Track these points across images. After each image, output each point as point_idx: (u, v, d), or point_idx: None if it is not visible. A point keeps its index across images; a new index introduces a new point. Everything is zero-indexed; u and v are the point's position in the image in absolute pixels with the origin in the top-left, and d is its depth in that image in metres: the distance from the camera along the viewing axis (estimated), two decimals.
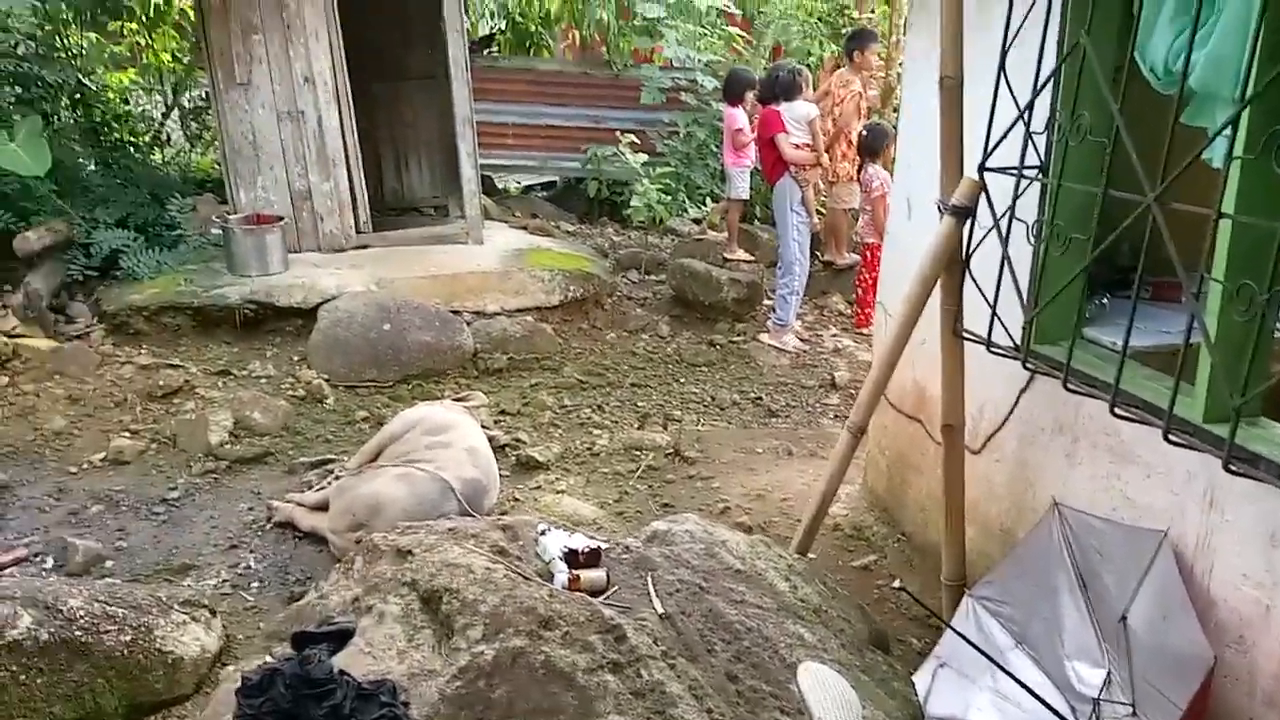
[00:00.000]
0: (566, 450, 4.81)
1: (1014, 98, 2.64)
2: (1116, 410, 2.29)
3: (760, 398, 5.72)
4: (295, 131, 6.55)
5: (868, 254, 6.85)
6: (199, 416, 4.77)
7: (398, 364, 5.55)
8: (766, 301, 7.06)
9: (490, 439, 4.42)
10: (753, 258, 7.84)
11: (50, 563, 3.60)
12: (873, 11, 9.53)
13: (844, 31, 8.83)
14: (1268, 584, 2.10)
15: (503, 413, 5.22)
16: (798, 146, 6.41)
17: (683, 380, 5.94)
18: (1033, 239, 2.60)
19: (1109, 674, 2.32)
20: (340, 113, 6.59)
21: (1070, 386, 2.46)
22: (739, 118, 7.39)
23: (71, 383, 5.17)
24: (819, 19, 9.43)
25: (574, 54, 10.54)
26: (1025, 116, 2.61)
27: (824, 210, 7.81)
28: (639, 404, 5.51)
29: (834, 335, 6.90)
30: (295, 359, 5.62)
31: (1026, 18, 2.58)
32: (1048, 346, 2.76)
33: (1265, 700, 2.11)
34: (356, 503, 3.73)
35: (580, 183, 9.47)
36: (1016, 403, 2.96)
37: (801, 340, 6.64)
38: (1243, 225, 2.02)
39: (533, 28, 9.94)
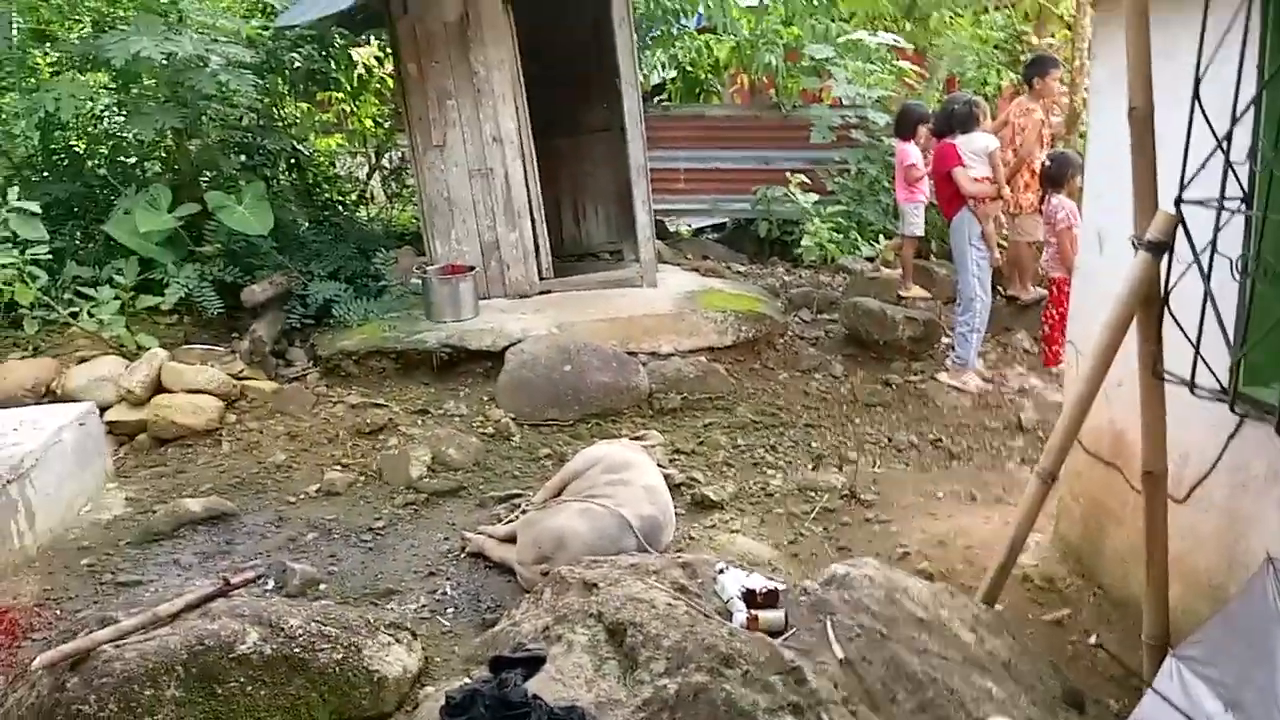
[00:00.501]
0: (740, 490, 4.86)
1: (1210, 126, 2.52)
2: None
3: (940, 439, 5.57)
4: (485, 187, 7.01)
5: (1054, 289, 6.54)
6: (401, 452, 5.15)
7: (578, 403, 5.79)
8: (945, 340, 6.87)
9: (666, 477, 4.53)
10: (929, 294, 7.65)
11: (271, 584, 3.96)
12: (1053, 36, 9.17)
13: (1022, 58, 8.56)
14: None
15: (677, 451, 5.34)
16: (977, 180, 6.25)
17: (857, 421, 5.86)
18: (1238, 275, 2.45)
19: None
20: (525, 168, 7.01)
21: None
22: (911, 153, 7.28)
23: (290, 420, 5.70)
24: (995, 46, 9.19)
25: (743, 98, 10.72)
26: (1224, 145, 2.48)
27: (1005, 244, 7.54)
28: (813, 444, 5.49)
29: (1019, 374, 6.61)
30: (485, 399, 5.96)
31: (1221, 42, 2.46)
32: (1259, 389, 2.58)
33: None
34: (542, 536, 3.92)
35: (750, 224, 9.57)
36: (1225, 448, 2.77)
37: (984, 380, 6.40)
38: None
39: (703, 75, 10.19)
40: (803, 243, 7.90)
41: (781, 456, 5.33)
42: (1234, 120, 2.45)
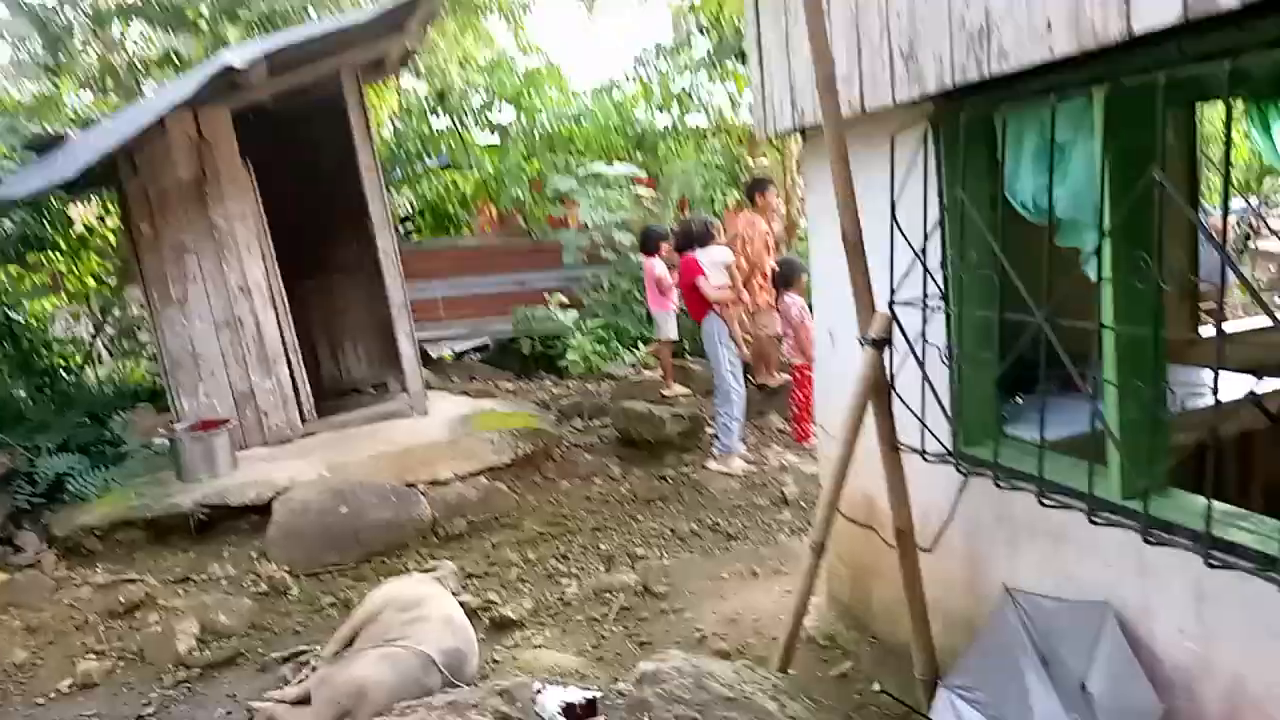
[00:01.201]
0: (538, 604, 4.91)
1: (908, 241, 3.05)
2: (1044, 500, 2.58)
3: (718, 523, 5.93)
4: (234, 338, 6.76)
5: (796, 374, 7.27)
6: (164, 627, 4.74)
7: (358, 544, 5.62)
8: (709, 430, 7.37)
9: (462, 604, 4.50)
10: (689, 391, 8.21)
11: None
12: (764, 157, 10.36)
13: (742, 178, 9.59)
14: (1201, 635, 2.36)
15: (470, 576, 5.31)
16: (718, 287, 6.89)
17: (640, 517, 6.12)
18: (945, 359, 2.95)
19: None
20: (277, 314, 6.86)
21: (999, 484, 2.76)
22: (657, 266, 7.91)
23: (28, 612, 5.09)
24: (717, 168, 10.22)
25: (493, 226, 11.13)
26: (921, 256, 3.01)
27: (750, 338, 8.28)
28: (601, 547, 5.66)
29: (777, 452, 7.20)
30: (254, 555, 5.63)
31: (908, 175, 3.02)
32: (975, 448, 3.07)
33: None
34: (340, 691, 3.74)
35: (513, 342, 9.84)
36: (957, 502, 3.25)
37: (748, 462, 6.92)
38: (1122, 336, 2.39)
39: (451, 208, 10.50)
40: (567, 356, 8.23)
41: (573, 563, 5.44)
42: (925, 236, 2.98)
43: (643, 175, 10.09)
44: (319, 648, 4.42)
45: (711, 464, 6.83)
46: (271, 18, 9.28)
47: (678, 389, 8.08)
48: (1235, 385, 2.84)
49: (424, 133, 10.01)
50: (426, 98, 9.91)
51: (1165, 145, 2.18)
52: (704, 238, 7.01)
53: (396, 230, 9.89)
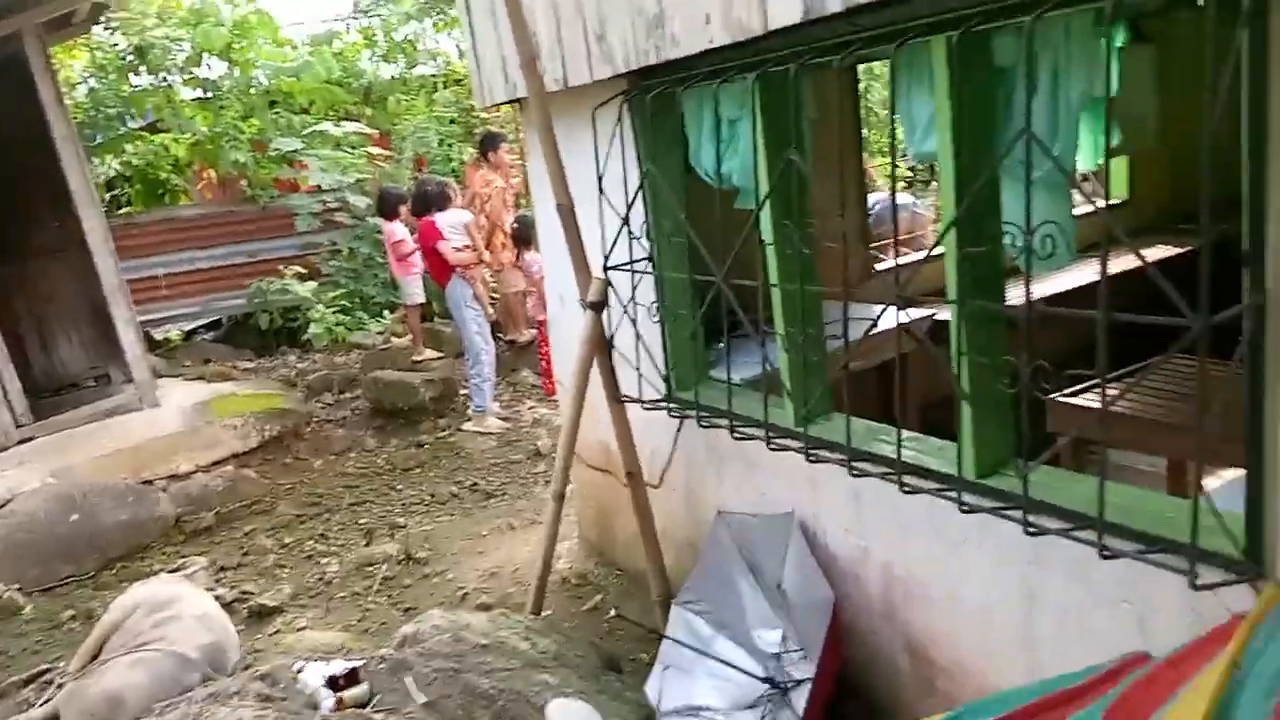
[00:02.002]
0: (298, 587, 4.90)
1: (615, 209, 3.33)
2: (735, 433, 2.99)
3: (476, 483, 6.11)
4: None
5: (542, 330, 7.52)
6: None
7: (95, 552, 5.32)
8: (463, 391, 7.49)
9: (217, 599, 4.42)
10: (441, 354, 8.25)
11: None
12: (499, 110, 10.38)
13: (476, 132, 9.57)
14: (859, 531, 2.87)
15: (223, 569, 5.19)
16: (459, 249, 6.96)
17: (400, 487, 6.18)
18: (654, 318, 3.28)
19: (783, 632, 2.98)
20: None
21: (702, 424, 3.14)
22: (397, 231, 7.82)
23: None
24: (451, 122, 10.12)
25: (214, 193, 10.43)
26: (627, 224, 3.31)
27: (496, 296, 8.42)
28: (361, 521, 5.69)
29: (531, 407, 7.46)
30: None
31: (609, 152, 3.28)
32: (685, 393, 3.45)
33: (880, 614, 2.87)
34: (92, 704, 3.62)
35: (250, 318, 9.37)
36: (676, 442, 3.63)
37: (503, 419, 7.13)
38: (785, 290, 2.80)
39: (164, 175, 9.72)
40: (310, 329, 7.99)
41: (333, 542, 5.45)
42: (629, 205, 3.27)
43: (374, 133, 9.81)
44: (64, 665, 4.20)
45: (468, 425, 6.98)
46: None
47: (429, 353, 8.10)
48: (896, 317, 3.38)
49: (124, 92, 9.15)
50: (124, 54, 9.03)
51: (823, 115, 2.54)
52: (441, 200, 7.02)
53: (104, 203, 9.12)
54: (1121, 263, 2.01)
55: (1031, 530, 2.07)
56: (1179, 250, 4.38)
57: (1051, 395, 3.10)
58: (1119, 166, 5.33)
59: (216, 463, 6.25)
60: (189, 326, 10.12)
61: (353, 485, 6.26)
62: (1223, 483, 2.35)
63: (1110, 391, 3.01)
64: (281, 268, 8.56)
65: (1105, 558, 1.92)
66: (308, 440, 6.88)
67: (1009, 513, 2.16)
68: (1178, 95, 3.37)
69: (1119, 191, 5.43)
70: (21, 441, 6.35)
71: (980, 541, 2.43)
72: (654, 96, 3.15)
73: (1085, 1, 1.83)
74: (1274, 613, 1.65)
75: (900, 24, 2.22)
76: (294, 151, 8.89)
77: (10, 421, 6.36)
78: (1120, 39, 3.94)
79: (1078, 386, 3.04)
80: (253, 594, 4.79)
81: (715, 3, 2.64)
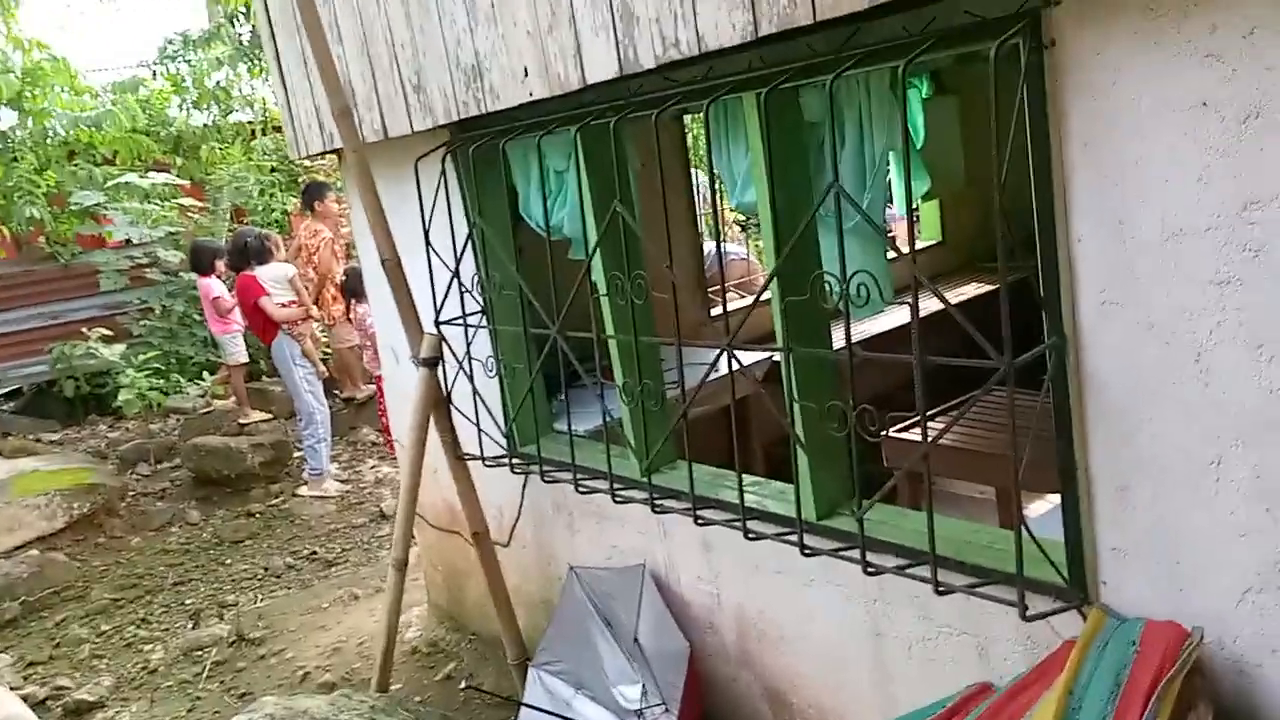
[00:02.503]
0: (119, 678, 4.47)
1: (444, 262, 3.24)
2: (579, 487, 2.94)
3: (315, 552, 5.78)
4: None
5: (380, 384, 7.24)
6: None
7: None
8: (297, 454, 7.10)
9: (26, 698, 4.01)
10: (270, 415, 7.81)
11: None
12: (324, 157, 10.02)
13: (301, 180, 9.19)
14: (711, 578, 2.86)
15: (32, 665, 4.70)
16: (284, 305, 6.61)
17: (229, 561, 5.77)
18: (488, 373, 3.20)
19: (642, 686, 2.93)
20: None
21: (545, 479, 3.08)
22: (214, 286, 7.38)
23: None
24: (272, 169, 9.68)
25: (9, 251, 9.54)
26: (457, 276, 3.21)
27: (329, 352, 8.06)
28: (187, 602, 5.26)
29: (373, 467, 7.16)
30: None
31: (434, 203, 3.19)
32: (528, 447, 3.37)
33: (738, 661, 2.87)
34: None
35: (53, 385, 8.60)
36: (522, 498, 3.54)
37: (342, 482, 6.80)
38: (622, 341, 2.79)
39: None
40: (120, 397, 7.40)
41: (156, 627, 5.01)
42: (457, 258, 3.18)
43: (185, 184, 9.24)
44: None
45: (303, 490, 6.61)
46: None
47: (256, 415, 7.65)
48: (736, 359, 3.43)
49: None
50: None
51: (650, 162, 2.53)
52: (261, 254, 6.67)
53: None
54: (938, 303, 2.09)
55: (870, 570, 2.12)
56: (991, 287, 4.69)
57: (884, 432, 3.23)
58: (931, 210, 5.67)
59: (19, 547, 5.70)
60: None
61: (176, 563, 5.80)
62: (1048, 508, 2.49)
63: (936, 426, 3.18)
64: (86, 330, 7.89)
65: (940, 594, 1.97)
66: (123, 517, 6.35)
67: (848, 553, 2.20)
68: (982, 142, 3.61)
69: (933, 234, 5.78)
70: None
71: (826, 581, 2.47)
72: (477, 147, 3.10)
73: (880, 61, 1.91)
74: (1100, 636, 1.73)
75: (713, 80, 2.27)
76: (96, 205, 8.26)
77: None
78: (925, 90, 4.21)
79: (908, 421, 3.16)
80: (68, 689, 4.36)
81: (532, 56, 2.62)
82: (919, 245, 5.87)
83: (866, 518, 2.16)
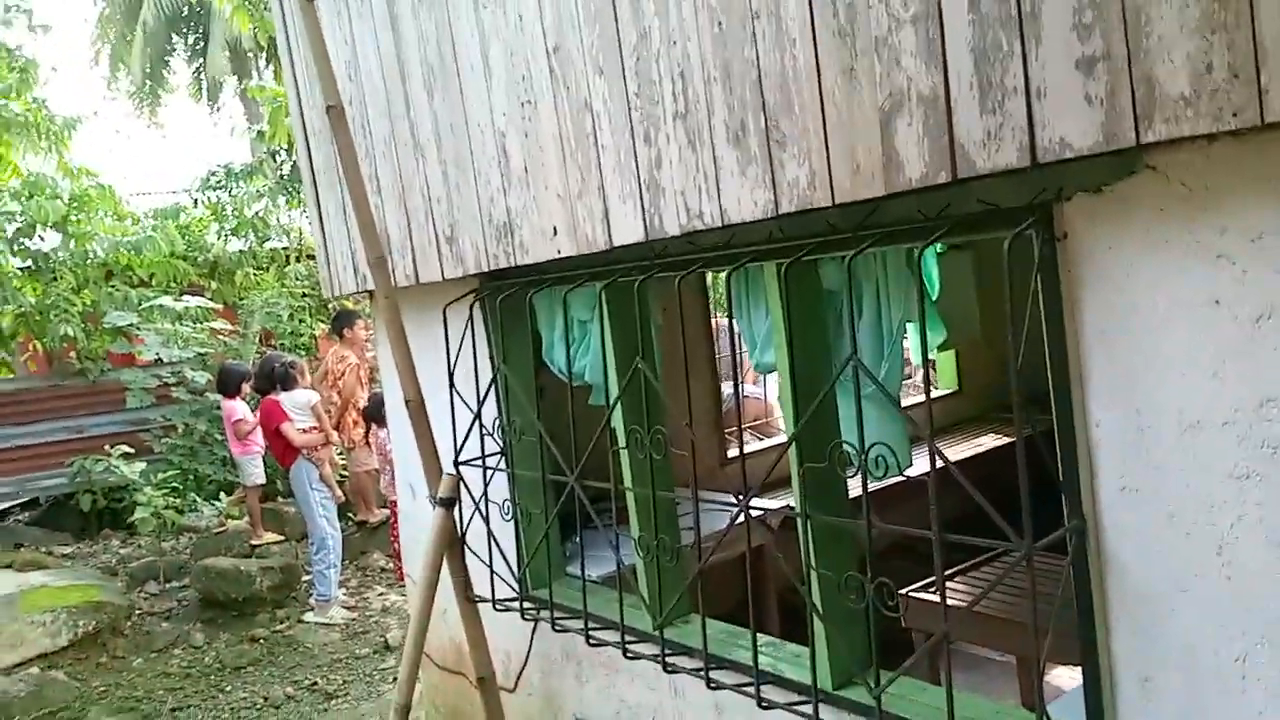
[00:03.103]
0: None
1: (466, 404, 3.28)
2: (590, 638, 2.88)
3: (316, 683, 5.65)
4: None
5: (395, 510, 7.21)
6: None
7: None
8: (306, 578, 7.02)
9: None
10: (282, 536, 7.77)
11: None
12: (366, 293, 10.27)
13: (331, 305, 9.40)
14: None
15: None
16: (305, 431, 6.68)
17: (228, 688, 5.65)
18: (504, 516, 3.20)
19: None
20: None
21: (557, 628, 3.03)
22: (238, 409, 7.48)
23: None
24: (304, 294, 9.94)
25: (39, 365, 9.75)
26: (480, 418, 3.25)
27: (346, 475, 8.07)
28: None
29: (380, 594, 7.05)
30: None
31: (460, 347, 3.27)
32: (540, 591, 3.33)
33: None
34: None
35: (70, 498, 8.62)
36: (531, 643, 3.47)
37: (349, 609, 6.69)
38: (639, 494, 2.79)
39: None
40: (136, 515, 7.41)
41: None
42: (480, 402, 3.23)
43: (218, 307, 9.49)
44: None
45: (310, 615, 6.51)
46: None
47: (269, 537, 7.62)
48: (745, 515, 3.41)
49: None
50: None
51: (674, 313, 2.58)
52: (286, 380, 6.78)
53: None
54: (957, 450, 2.09)
55: None
56: (1009, 440, 4.68)
57: (905, 591, 3.17)
58: (947, 360, 5.73)
59: (20, 664, 5.63)
60: (2, 506, 9.21)
61: (176, 687, 5.68)
62: (1073, 684, 2.41)
63: (960, 588, 3.12)
64: (108, 446, 7.97)
65: None
66: (127, 636, 6.26)
67: None
68: (995, 295, 3.68)
69: (949, 383, 5.82)
70: None
71: None
72: (505, 297, 3.19)
73: (896, 242, 1.98)
74: None
75: (736, 248, 2.35)
76: (129, 325, 8.48)
77: None
78: (940, 246, 4.31)
79: (927, 581, 3.11)
80: None
81: (561, 217, 2.73)
82: (937, 394, 5.91)
83: (885, 692, 2.10)
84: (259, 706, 5.39)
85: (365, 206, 3.22)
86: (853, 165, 1.90)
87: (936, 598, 2.93)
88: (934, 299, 3.48)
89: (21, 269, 8.73)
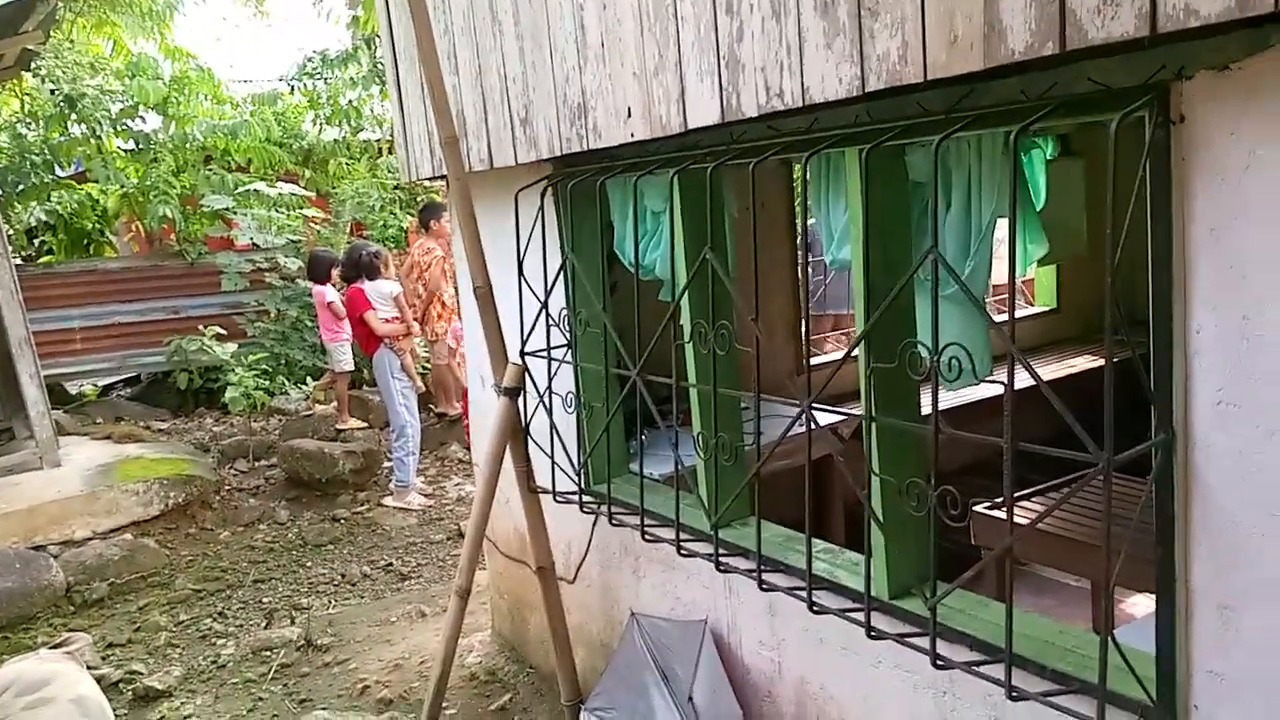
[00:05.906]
0: (189, 670, 4.60)
1: (534, 292, 3.24)
2: (645, 534, 2.86)
3: (391, 564, 5.85)
4: None
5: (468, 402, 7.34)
6: None
7: None
8: (386, 464, 7.24)
9: (101, 679, 4.14)
10: (366, 424, 8.01)
11: None
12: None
13: (420, 199, 9.48)
14: (774, 645, 2.74)
15: (110, 646, 4.87)
16: (387, 320, 6.79)
17: (309, 564, 5.90)
18: (566, 408, 3.17)
19: None
20: None
21: (614, 522, 3.02)
22: (328, 294, 7.65)
23: None
24: (395, 188, 10.03)
25: (141, 246, 10.14)
26: (546, 308, 3.21)
27: (428, 367, 8.23)
28: (264, 600, 5.39)
29: (457, 484, 7.23)
30: None
31: (530, 235, 3.20)
32: (602, 485, 3.32)
33: None
34: None
35: (168, 376, 9.04)
36: (591, 536, 3.49)
37: (426, 496, 6.89)
38: (702, 391, 2.72)
39: (90, 226, 9.43)
40: (228, 394, 7.72)
41: (231, 622, 5.14)
42: (548, 291, 3.18)
43: (311, 195, 9.65)
44: None
45: (388, 500, 6.73)
46: None
47: (353, 423, 7.86)
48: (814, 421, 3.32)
49: (52, 140, 8.90)
50: (55, 101, 8.80)
51: (758, 205, 2.48)
52: (371, 270, 6.88)
53: (22, 252, 8.78)
54: (1048, 370, 1.95)
55: (940, 664, 1.98)
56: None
57: (975, 507, 3.06)
58: (1048, 276, 5.43)
59: (115, 530, 5.93)
60: (105, 381, 9.71)
61: (259, 560, 5.96)
62: (1145, 612, 2.29)
63: (1027, 508, 2.99)
64: (202, 327, 8.28)
65: (1013, 699, 1.82)
66: (216, 510, 6.57)
67: (917, 640, 2.06)
68: (1106, 210, 3.42)
69: (1048, 301, 5.53)
70: None
71: (895, 665, 2.33)
72: (577, 183, 3.10)
73: (992, 125, 1.81)
74: None
75: (817, 132, 2.20)
76: (226, 209, 8.70)
77: None
78: (1050, 151, 4.02)
79: (999, 499, 2.99)
80: (140, 674, 4.50)
81: (636, 98, 2.60)
82: (1032, 311, 5.62)
83: (943, 604, 2.02)
84: (336, 582, 5.62)
85: (440, 84, 3.13)
86: (950, 35, 1.73)
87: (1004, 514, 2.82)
88: (1038, 209, 3.26)
89: (124, 150, 8.99)
